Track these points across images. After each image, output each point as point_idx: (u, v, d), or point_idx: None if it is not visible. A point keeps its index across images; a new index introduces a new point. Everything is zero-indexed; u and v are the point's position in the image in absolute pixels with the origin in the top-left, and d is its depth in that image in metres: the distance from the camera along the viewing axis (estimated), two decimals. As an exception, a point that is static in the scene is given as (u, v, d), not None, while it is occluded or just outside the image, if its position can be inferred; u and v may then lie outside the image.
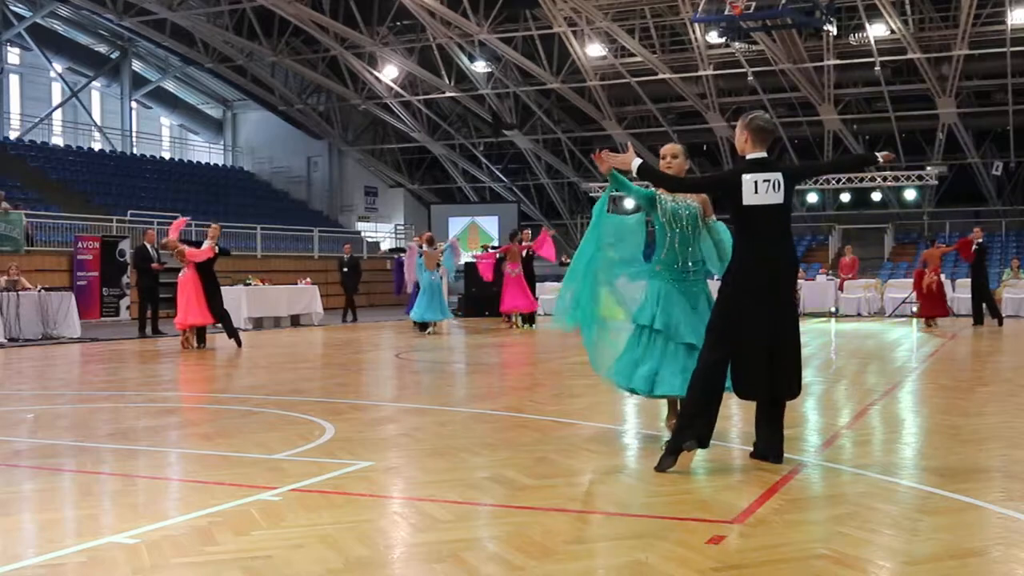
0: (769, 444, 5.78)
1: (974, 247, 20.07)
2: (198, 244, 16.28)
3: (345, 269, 24.56)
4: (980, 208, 33.65)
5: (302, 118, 37.99)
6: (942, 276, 20.84)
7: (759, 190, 5.66)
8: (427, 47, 32.25)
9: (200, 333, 15.64)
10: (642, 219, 6.79)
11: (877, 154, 6.16)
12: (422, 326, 19.13)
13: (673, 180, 6.24)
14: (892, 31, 27.51)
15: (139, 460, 6.27)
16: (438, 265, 19.44)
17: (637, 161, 5.98)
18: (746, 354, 5.67)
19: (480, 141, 37.36)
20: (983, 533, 4.45)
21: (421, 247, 19.68)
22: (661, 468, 5.51)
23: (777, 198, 5.71)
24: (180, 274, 15.51)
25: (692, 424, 5.55)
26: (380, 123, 38.29)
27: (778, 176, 5.73)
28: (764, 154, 5.82)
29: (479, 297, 25.13)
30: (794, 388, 5.76)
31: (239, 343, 15.32)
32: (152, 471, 6.02)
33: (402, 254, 22.95)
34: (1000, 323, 19.85)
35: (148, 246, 18.44)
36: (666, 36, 30.35)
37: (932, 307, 20.03)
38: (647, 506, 4.92)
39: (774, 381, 5.68)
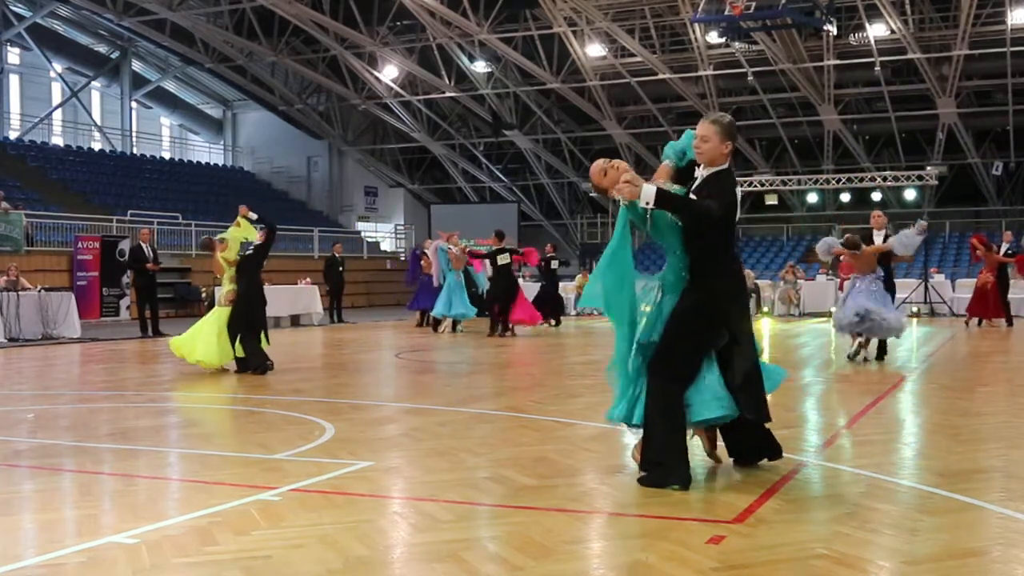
0: (763, 446, 5.58)
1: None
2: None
3: (341, 268, 24.59)
4: (980, 208, 33.63)
5: (302, 118, 37.97)
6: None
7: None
8: (427, 47, 32.24)
9: None
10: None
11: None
12: (435, 324, 19.35)
13: (693, 210, 5.22)
14: (892, 31, 27.49)
15: (139, 460, 6.27)
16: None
17: (650, 189, 4.99)
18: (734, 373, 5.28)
19: (480, 141, 37.34)
20: (983, 533, 4.45)
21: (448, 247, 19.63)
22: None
23: None
24: None
25: (676, 466, 5.13)
26: (380, 123, 38.27)
27: None
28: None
29: (479, 297, 25.05)
30: (763, 411, 5.37)
31: None
32: (152, 471, 6.02)
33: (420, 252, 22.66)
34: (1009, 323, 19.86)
35: (144, 245, 18.41)
36: (666, 36, 30.34)
37: (984, 308, 19.62)
38: (647, 506, 4.91)
39: (745, 404, 5.27)
